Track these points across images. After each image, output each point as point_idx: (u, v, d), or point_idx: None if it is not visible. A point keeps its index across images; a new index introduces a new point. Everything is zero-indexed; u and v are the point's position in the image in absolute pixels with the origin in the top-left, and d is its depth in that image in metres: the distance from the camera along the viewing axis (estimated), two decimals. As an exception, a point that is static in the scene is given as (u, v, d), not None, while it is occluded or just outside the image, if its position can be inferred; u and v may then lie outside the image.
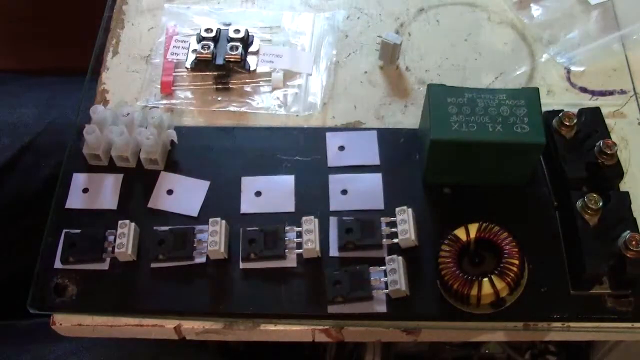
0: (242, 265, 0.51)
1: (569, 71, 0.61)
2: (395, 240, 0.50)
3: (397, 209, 0.51)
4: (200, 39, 0.60)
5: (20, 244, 0.68)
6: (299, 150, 0.56)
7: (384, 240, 0.50)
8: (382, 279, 0.49)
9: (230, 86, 0.60)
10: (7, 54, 1.00)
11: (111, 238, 0.51)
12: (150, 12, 0.66)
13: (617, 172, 0.52)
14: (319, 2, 0.67)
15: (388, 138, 0.57)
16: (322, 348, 0.77)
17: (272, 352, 0.79)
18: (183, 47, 0.61)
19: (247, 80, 0.60)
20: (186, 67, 0.60)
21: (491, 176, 0.53)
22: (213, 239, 0.50)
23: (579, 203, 0.49)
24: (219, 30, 0.61)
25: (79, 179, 0.55)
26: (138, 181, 0.55)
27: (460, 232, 0.49)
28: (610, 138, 0.52)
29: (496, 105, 0.50)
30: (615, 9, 0.65)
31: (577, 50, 0.62)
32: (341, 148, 0.56)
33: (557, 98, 0.60)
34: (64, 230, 0.52)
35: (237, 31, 0.61)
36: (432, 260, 0.49)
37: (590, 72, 0.61)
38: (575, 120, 0.53)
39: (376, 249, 0.51)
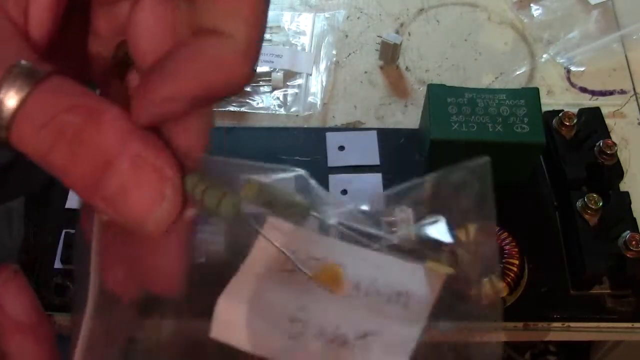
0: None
1: (569, 71, 0.61)
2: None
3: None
4: (200, 39, 0.60)
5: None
6: (299, 150, 0.56)
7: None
8: (382, 279, 0.49)
9: (230, 86, 0.60)
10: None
11: (111, 238, 0.51)
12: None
13: (617, 172, 0.52)
14: (319, 2, 0.67)
15: (388, 138, 0.57)
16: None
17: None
18: (183, 47, 0.61)
19: (247, 80, 0.60)
20: (186, 67, 0.60)
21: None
22: None
23: (579, 203, 0.49)
24: (219, 30, 0.61)
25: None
26: (138, 181, 0.55)
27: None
28: (610, 138, 0.52)
29: (496, 105, 0.50)
30: (615, 9, 0.65)
31: (577, 50, 0.62)
32: (341, 148, 0.56)
33: (557, 98, 0.60)
34: (64, 230, 0.52)
35: (237, 31, 0.61)
36: (432, 260, 0.49)
37: (590, 72, 0.61)
38: (575, 120, 0.53)
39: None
